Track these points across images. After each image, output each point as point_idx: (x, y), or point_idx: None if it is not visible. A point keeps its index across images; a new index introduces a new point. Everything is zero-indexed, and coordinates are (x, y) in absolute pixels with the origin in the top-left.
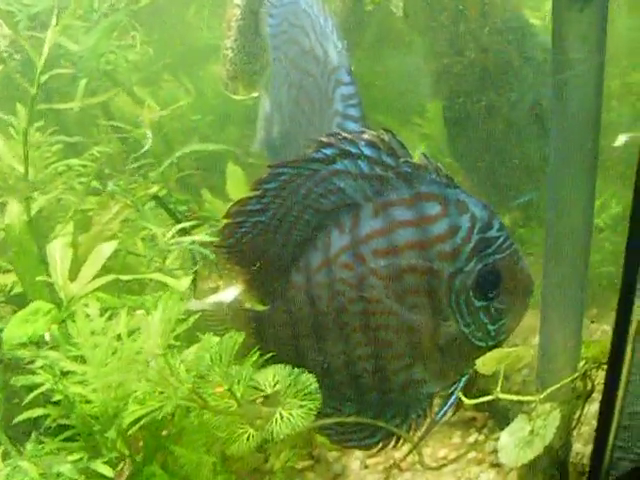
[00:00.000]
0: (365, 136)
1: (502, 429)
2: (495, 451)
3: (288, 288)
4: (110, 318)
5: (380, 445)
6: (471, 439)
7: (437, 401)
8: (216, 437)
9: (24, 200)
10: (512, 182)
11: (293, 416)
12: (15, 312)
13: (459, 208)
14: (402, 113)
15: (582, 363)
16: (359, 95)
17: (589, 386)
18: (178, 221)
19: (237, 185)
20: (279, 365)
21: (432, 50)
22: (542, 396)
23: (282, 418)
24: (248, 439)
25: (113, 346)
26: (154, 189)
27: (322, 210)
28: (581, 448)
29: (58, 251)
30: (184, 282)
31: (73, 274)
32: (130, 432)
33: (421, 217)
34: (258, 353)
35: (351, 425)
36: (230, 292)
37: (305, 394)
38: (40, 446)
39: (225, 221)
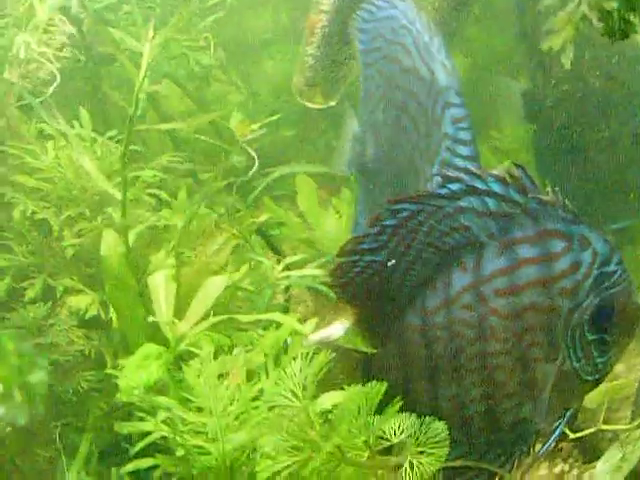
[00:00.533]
0: (494, 172)
1: (588, 458)
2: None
3: (403, 330)
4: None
5: None
6: (557, 469)
7: None
8: None
9: (122, 230)
10: (609, 208)
11: (422, 464)
12: (87, 337)
13: (582, 244)
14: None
15: None
16: (470, 118)
17: None
18: (278, 252)
19: (308, 197)
20: (404, 414)
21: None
22: (636, 423)
23: (412, 467)
24: None
25: (232, 393)
26: (262, 218)
27: (443, 249)
28: None
29: (161, 286)
30: (309, 325)
31: (176, 311)
32: None
33: (545, 254)
34: (399, 402)
35: (459, 467)
36: (337, 328)
37: (435, 442)
38: None
39: (338, 260)
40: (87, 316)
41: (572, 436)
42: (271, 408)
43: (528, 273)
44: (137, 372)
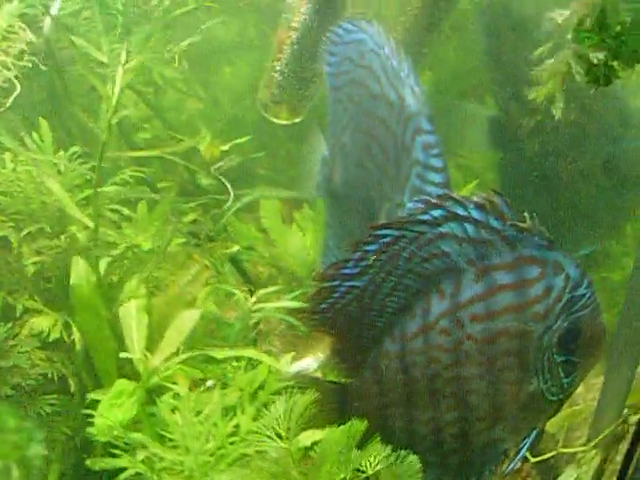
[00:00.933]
0: (474, 198)
1: (545, 477)
2: None
3: (381, 357)
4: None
5: None
6: None
7: None
8: None
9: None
10: (572, 234)
11: None
12: (49, 359)
13: (556, 269)
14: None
15: (625, 410)
16: (441, 144)
17: (625, 430)
18: (251, 282)
19: (272, 214)
20: (379, 445)
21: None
22: (591, 445)
23: None
24: None
25: (207, 430)
26: (234, 248)
27: (424, 275)
28: None
29: (133, 317)
30: (285, 361)
31: (148, 343)
32: None
33: (521, 280)
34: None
35: None
36: (311, 361)
37: (409, 475)
38: None
39: (318, 284)
40: (50, 338)
41: (533, 460)
42: (248, 446)
43: (504, 299)
44: (112, 410)
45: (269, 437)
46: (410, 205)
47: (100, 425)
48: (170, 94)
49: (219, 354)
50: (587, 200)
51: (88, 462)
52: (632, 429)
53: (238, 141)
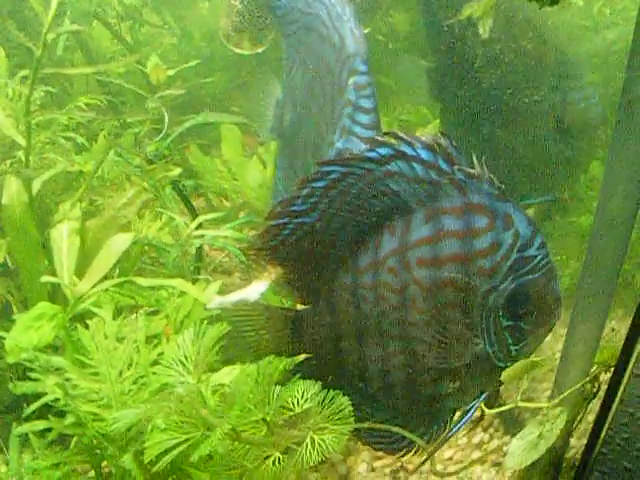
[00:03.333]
0: (422, 138)
1: (507, 427)
2: (497, 449)
3: (334, 288)
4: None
5: (404, 452)
6: (476, 439)
7: None
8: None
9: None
10: (519, 185)
11: (324, 441)
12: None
13: (505, 223)
14: None
15: (594, 368)
16: (373, 85)
17: (595, 388)
18: (192, 208)
19: (233, 145)
20: (308, 381)
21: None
22: (555, 401)
23: (313, 444)
24: (274, 463)
25: (129, 357)
26: (176, 172)
27: (374, 212)
28: (574, 442)
29: (64, 240)
30: (210, 290)
31: (80, 266)
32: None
33: (468, 229)
34: (295, 375)
35: (382, 430)
36: (254, 289)
37: (339, 417)
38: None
39: (267, 222)
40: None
41: (488, 412)
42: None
43: (450, 246)
44: (27, 332)
45: (177, 372)
46: (339, 145)
47: (10, 346)
48: (145, 29)
49: (144, 282)
50: (534, 148)
51: (11, 386)
52: (604, 387)
53: (186, 65)
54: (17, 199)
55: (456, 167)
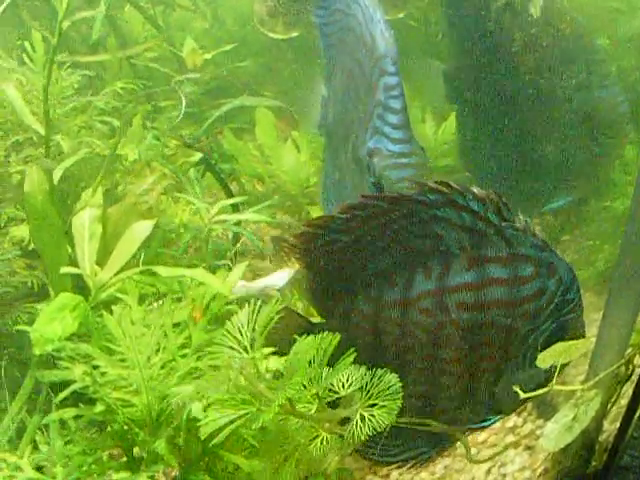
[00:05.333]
0: (475, 190)
1: (540, 411)
2: (530, 433)
3: (351, 312)
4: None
5: (411, 463)
6: (510, 423)
7: None
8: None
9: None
10: (543, 187)
11: (374, 416)
12: (29, 267)
13: (549, 271)
14: None
15: (629, 350)
16: (402, 86)
17: (629, 371)
18: (229, 193)
19: (267, 130)
20: (353, 366)
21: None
22: (589, 384)
23: (363, 419)
24: (322, 442)
25: (156, 342)
26: (196, 157)
27: (411, 250)
28: (607, 426)
29: (85, 227)
30: (232, 277)
31: (101, 254)
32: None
33: (514, 277)
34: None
35: (391, 445)
36: (280, 276)
37: (387, 394)
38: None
39: (305, 228)
40: (30, 246)
41: (523, 396)
42: (199, 358)
43: (495, 292)
44: (51, 324)
45: (232, 348)
46: (370, 144)
47: (36, 338)
48: (177, 14)
49: (164, 272)
50: (559, 149)
51: (39, 375)
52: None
53: (221, 50)
54: (38, 187)
55: (505, 224)
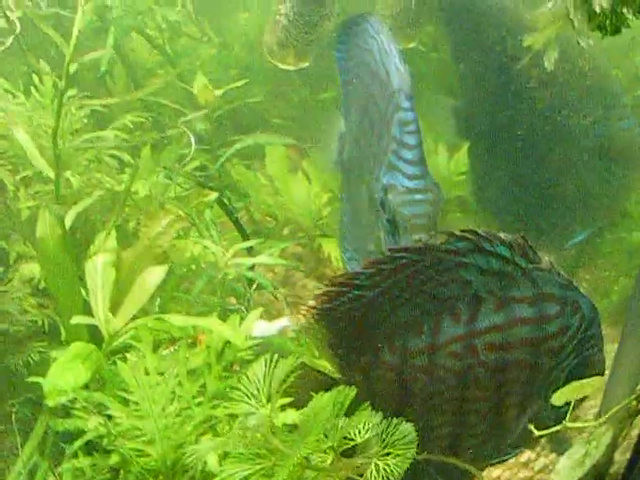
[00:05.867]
0: (502, 236)
1: (554, 445)
2: (544, 468)
3: (376, 365)
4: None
5: None
6: (524, 458)
7: None
8: None
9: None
10: (563, 222)
11: (389, 465)
12: (40, 306)
13: (573, 308)
14: None
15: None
16: (417, 122)
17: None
18: (244, 233)
19: (277, 161)
20: (369, 412)
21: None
22: (601, 420)
23: (377, 469)
24: None
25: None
26: (212, 196)
27: (438, 297)
28: (618, 457)
29: (99, 273)
30: (247, 324)
31: (116, 298)
32: None
33: (540, 316)
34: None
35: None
36: (284, 322)
37: (403, 443)
38: None
39: (327, 287)
40: (41, 285)
41: (537, 433)
42: (215, 407)
43: (522, 332)
44: (64, 374)
45: (247, 403)
46: (384, 181)
47: (49, 390)
48: (184, 40)
49: (177, 321)
50: (576, 183)
51: (52, 423)
52: None
53: (233, 85)
54: (51, 232)
55: (532, 266)
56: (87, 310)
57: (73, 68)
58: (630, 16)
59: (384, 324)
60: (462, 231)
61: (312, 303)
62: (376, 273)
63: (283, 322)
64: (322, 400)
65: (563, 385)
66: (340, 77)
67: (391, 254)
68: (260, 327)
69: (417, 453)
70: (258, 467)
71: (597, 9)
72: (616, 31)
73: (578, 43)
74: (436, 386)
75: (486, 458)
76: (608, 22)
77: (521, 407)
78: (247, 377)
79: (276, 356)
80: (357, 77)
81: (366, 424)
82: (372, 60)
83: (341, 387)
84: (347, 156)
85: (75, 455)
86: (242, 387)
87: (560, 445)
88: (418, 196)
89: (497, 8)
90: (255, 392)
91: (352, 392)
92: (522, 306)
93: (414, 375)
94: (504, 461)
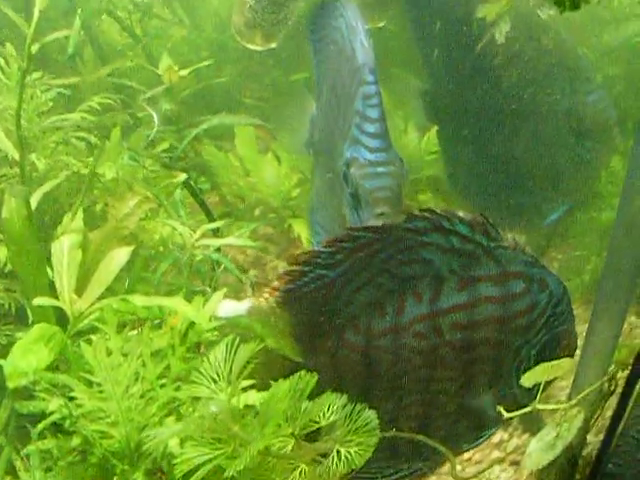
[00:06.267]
0: (460, 214)
1: (526, 425)
2: (517, 449)
3: (340, 346)
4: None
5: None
6: (496, 439)
7: None
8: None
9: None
10: (535, 201)
11: (351, 454)
12: (7, 290)
13: (540, 285)
14: None
15: (612, 367)
16: (380, 95)
17: (612, 386)
18: (210, 215)
19: (247, 142)
20: (335, 394)
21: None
22: (572, 403)
23: (339, 456)
24: (301, 475)
25: (134, 372)
26: (181, 177)
27: (399, 277)
28: (591, 439)
29: (65, 254)
30: (210, 305)
31: (82, 280)
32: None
33: (506, 294)
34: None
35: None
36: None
37: (364, 431)
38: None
39: (289, 267)
40: (7, 268)
41: (507, 416)
42: (179, 388)
43: (487, 310)
44: (26, 356)
45: (208, 388)
46: (347, 155)
47: (11, 372)
48: (155, 22)
49: (141, 301)
50: (547, 160)
51: (17, 405)
52: (621, 385)
53: (200, 65)
54: (17, 213)
55: (493, 244)
56: (53, 291)
57: (35, 49)
58: None
59: (347, 304)
60: (421, 210)
61: (275, 284)
62: (337, 252)
63: (249, 303)
64: (282, 386)
65: (535, 363)
66: (313, 58)
67: (351, 232)
68: (226, 307)
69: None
70: (218, 452)
71: None
72: (575, 7)
73: (538, 15)
74: (402, 366)
75: (459, 438)
76: None
77: (491, 386)
78: (208, 361)
79: (237, 339)
80: (327, 57)
81: (331, 407)
82: (340, 38)
83: (302, 373)
84: (317, 138)
85: (41, 437)
86: (203, 371)
87: (533, 425)
88: (380, 169)
89: None
90: (215, 376)
91: (313, 379)
92: (486, 284)
93: (379, 356)
94: (478, 445)
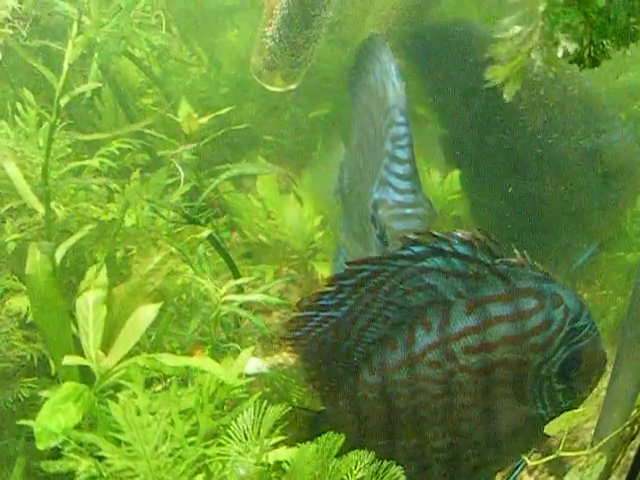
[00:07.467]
0: (459, 234)
1: (552, 469)
2: None
3: (357, 387)
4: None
5: None
6: None
7: None
8: None
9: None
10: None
11: None
12: (28, 340)
13: (554, 301)
14: None
15: (635, 411)
16: (410, 137)
17: (635, 431)
18: (234, 267)
19: (268, 184)
20: (362, 451)
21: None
22: (595, 449)
23: None
24: None
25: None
26: (205, 233)
27: (406, 307)
28: (614, 479)
29: (90, 310)
30: (240, 361)
31: (107, 336)
32: None
33: (518, 312)
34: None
35: None
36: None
37: None
38: None
39: (295, 313)
40: (29, 319)
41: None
42: (208, 446)
43: (500, 330)
44: (55, 416)
45: (239, 454)
46: (375, 196)
47: (39, 432)
48: (173, 60)
49: (169, 361)
50: (574, 201)
51: (42, 464)
52: None
53: (218, 113)
54: (41, 269)
55: (498, 260)
56: (77, 347)
57: (64, 102)
58: (609, 47)
59: (358, 343)
60: (416, 234)
61: (282, 334)
62: (339, 290)
63: (277, 359)
64: (310, 447)
65: (558, 382)
66: (351, 101)
67: (350, 268)
68: (252, 365)
69: (415, 467)
70: None
71: (560, 54)
72: (594, 64)
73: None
74: (422, 397)
75: (490, 466)
76: (586, 54)
77: (515, 409)
78: (236, 425)
79: (264, 403)
80: (360, 99)
81: (358, 464)
82: (373, 80)
83: (329, 434)
84: (346, 180)
85: None
86: (232, 435)
87: (558, 468)
88: (408, 210)
89: (468, 36)
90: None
91: (340, 439)
92: (496, 304)
93: (397, 391)
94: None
